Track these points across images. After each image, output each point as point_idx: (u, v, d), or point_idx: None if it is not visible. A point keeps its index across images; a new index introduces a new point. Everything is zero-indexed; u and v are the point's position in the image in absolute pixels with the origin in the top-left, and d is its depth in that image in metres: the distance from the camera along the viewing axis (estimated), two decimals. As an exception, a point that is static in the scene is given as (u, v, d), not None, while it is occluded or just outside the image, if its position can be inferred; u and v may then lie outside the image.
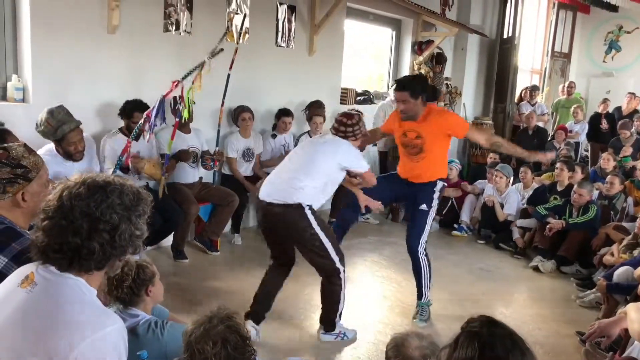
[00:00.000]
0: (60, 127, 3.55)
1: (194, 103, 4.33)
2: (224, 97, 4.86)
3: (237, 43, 4.92)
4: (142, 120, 3.80)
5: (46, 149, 3.66)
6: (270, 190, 3.14)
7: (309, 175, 3.10)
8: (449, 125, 3.63)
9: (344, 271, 3.23)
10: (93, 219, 1.33)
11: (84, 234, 1.32)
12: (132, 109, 4.18)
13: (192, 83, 4.15)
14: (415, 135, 3.62)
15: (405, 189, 3.78)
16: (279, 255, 3.39)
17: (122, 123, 4.28)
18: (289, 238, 3.25)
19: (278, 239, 3.30)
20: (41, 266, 1.37)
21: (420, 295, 3.77)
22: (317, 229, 3.09)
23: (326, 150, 3.17)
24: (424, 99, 3.56)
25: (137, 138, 3.88)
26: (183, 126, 4.72)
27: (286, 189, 3.08)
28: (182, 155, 4.59)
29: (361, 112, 3.47)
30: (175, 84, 3.87)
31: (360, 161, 3.28)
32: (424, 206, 3.65)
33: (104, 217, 1.34)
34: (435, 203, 3.70)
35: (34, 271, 1.38)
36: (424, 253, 3.71)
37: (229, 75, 4.79)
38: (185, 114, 4.20)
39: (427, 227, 3.68)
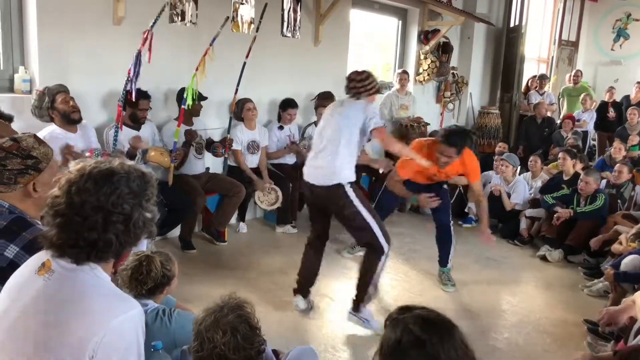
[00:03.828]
0: (48, 89, 3.75)
1: (197, 93, 4.33)
2: (237, 85, 4.87)
3: (255, 32, 4.92)
4: (125, 80, 3.82)
5: (46, 130, 3.76)
6: (312, 174, 3.42)
7: (340, 147, 3.30)
8: (467, 169, 4.03)
9: (387, 252, 3.37)
10: (106, 212, 1.33)
11: (100, 228, 1.32)
12: (136, 97, 4.17)
13: (196, 70, 4.15)
14: (445, 176, 4.07)
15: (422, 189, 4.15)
16: (317, 227, 3.67)
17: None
18: (332, 212, 3.49)
19: (320, 213, 3.59)
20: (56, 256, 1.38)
21: (445, 262, 4.28)
22: (359, 207, 3.31)
23: (345, 112, 3.38)
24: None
25: (131, 118, 4.00)
26: (186, 120, 4.71)
27: (325, 173, 3.34)
28: (188, 135, 4.54)
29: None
30: (146, 33, 3.83)
31: (376, 117, 3.38)
32: (445, 186, 4.31)
33: (115, 208, 1.33)
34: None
35: (50, 259, 1.39)
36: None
37: (244, 63, 4.81)
38: (189, 100, 4.20)
39: None
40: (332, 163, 3.31)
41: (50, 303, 1.33)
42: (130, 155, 4.04)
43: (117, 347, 1.30)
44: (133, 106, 4.21)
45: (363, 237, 3.38)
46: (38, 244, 1.44)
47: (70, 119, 3.82)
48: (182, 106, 4.27)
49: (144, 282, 2.21)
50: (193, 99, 4.28)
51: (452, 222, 4.24)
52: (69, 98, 3.83)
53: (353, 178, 3.37)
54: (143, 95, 4.21)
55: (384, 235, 3.34)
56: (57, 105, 3.77)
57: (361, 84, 3.39)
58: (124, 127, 4.18)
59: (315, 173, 3.40)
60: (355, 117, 3.32)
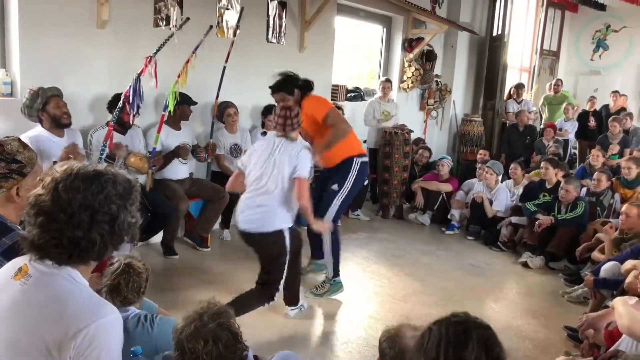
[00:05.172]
0: (42, 90, 3.69)
1: (178, 99, 4.30)
2: (218, 90, 4.86)
3: (233, 37, 4.91)
4: (120, 103, 3.77)
5: (32, 130, 3.72)
6: (247, 219, 3.23)
7: (283, 191, 3.19)
8: (309, 109, 3.70)
9: (272, 301, 3.33)
10: (93, 210, 1.32)
11: (85, 227, 1.31)
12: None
13: (178, 77, 4.13)
14: (304, 130, 3.73)
15: (329, 174, 3.88)
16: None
17: (109, 117, 4.26)
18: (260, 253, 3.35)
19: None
20: (35, 260, 1.35)
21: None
22: (287, 258, 3.25)
23: (286, 160, 3.21)
24: (301, 94, 3.75)
25: (118, 121, 3.92)
26: (173, 123, 4.71)
27: (265, 217, 3.18)
28: (180, 151, 4.59)
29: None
30: (149, 59, 3.82)
31: (306, 166, 3.28)
32: (335, 186, 3.78)
33: (102, 208, 1.33)
34: (349, 181, 3.77)
35: (27, 263, 1.37)
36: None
37: (224, 67, 4.80)
38: (171, 107, 4.18)
39: (334, 206, 3.78)
40: (272, 206, 3.18)
41: (27, 307, 1.31)
42: (110, 157, 3.99)
43: (94, 352, 1.28)
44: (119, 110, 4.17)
45: (268, 282, 3.28)
46: (17, 250, 1.42)
47: (60, 124, 3.77)
48: (163, 112, 4.25)
49: (139, 286, 2.25)
50: (175, 103, 4.25)
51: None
52: (62, 103, 3.78)
53: (292, 222, 3.29)
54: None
55: (278, 289, 3.31)
56: (49, 109, 3.71)
57: (296, 120, 3.31)
58: (106, 127, 4.13)
59: (252, 216, 3.20)
60: (295, 158, 3.22)
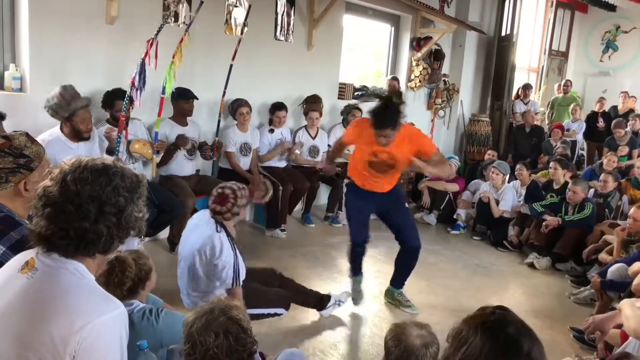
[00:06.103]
0: (74, 102, 3.63)
1: (175, 81, 4.22)
2: (225, 87, 4.86)
3: (242, 34, 4.91)
4: (129, 90, 3.78)
5: (50, 133, 3.70)
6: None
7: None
8: (420, 146, 3.54)
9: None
10: (100, 202, 1.33)
11: (92, 218, 1.32)
12: (112, 98, 4.16)
13: (173, 57, 4.12)
14: (389, 157, 3.49)
15: (381, 200, 3.75)
16: None
17: (107, 115, 4.29)
18: None
19: None
20: (42, 253, 1.36)
21: (401, 284, 3.98)
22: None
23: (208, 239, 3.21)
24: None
25: (113, 118, 3.96)
26: (178, 119, 4.72)
27: None
28: (180, 141, 4.55)
29: (242, 188, 3.21)
30: (150, 42, 3.81)
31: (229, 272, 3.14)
32: (406, 205, 3.88)
33: (110, 200, 1.34)
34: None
35: (34, 257, 1.38)
36: None
37: (231, 65, 4.80)
38: (168, 88, 4.17)
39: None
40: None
41: (32, 301, 1.32)
42: (109, 151, 4.00)
43: (99, 347, 1.29)
44: (110, 107, 4.19)
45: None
46: (25, 244, 1.43)
47: (81, 137, 3.77)
48: (162, 95, 4.25)
49: (122, 283, 2.19)
50: (177, 94, 4.25)
51: (421, 243, 3.82)
52: (88, 118, 3.75)
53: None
54: (118, 96, 4.13)
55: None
56: (75, 123, 3.68)
57: (228, 213, 3.19)
58: (106, 124, 4.17)
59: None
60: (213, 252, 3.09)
